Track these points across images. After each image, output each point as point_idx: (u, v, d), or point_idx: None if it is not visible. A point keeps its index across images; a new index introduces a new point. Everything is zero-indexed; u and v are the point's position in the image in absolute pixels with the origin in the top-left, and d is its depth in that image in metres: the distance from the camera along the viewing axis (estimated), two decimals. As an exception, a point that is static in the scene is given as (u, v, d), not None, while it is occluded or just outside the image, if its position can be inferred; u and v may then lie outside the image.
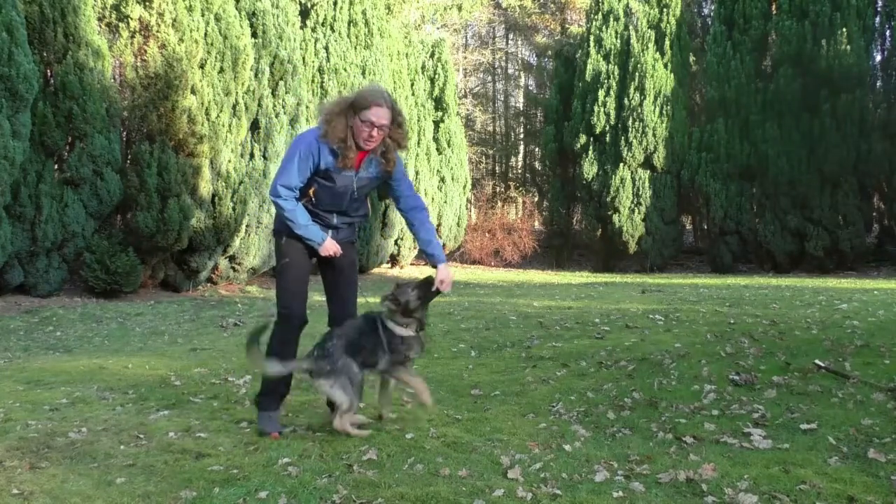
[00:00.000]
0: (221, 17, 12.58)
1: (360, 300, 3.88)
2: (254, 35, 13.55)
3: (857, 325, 6.14)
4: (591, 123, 21.35)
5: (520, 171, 34.54)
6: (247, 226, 13.55)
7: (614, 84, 21.17)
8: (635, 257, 21.20)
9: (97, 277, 11.24)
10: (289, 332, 3.72)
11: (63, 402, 4.49)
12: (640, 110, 20.55)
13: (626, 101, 20.79)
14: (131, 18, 11.65)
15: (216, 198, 12.60)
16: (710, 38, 20.51)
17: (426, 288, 3.66)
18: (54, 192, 10.89)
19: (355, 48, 17.08)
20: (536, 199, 29.54)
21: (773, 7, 19.08)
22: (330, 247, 3.64)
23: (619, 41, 21.41)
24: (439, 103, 21.65)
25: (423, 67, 21.36)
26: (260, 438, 3.62)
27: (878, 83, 18.69)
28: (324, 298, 3.87)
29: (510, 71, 36.85)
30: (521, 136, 34.78)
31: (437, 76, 21.71)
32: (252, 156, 13.59)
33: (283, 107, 14.09)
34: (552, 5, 32.00)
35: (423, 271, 20.36)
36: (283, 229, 3.68)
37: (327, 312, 3.84)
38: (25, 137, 10.00)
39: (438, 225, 21.39)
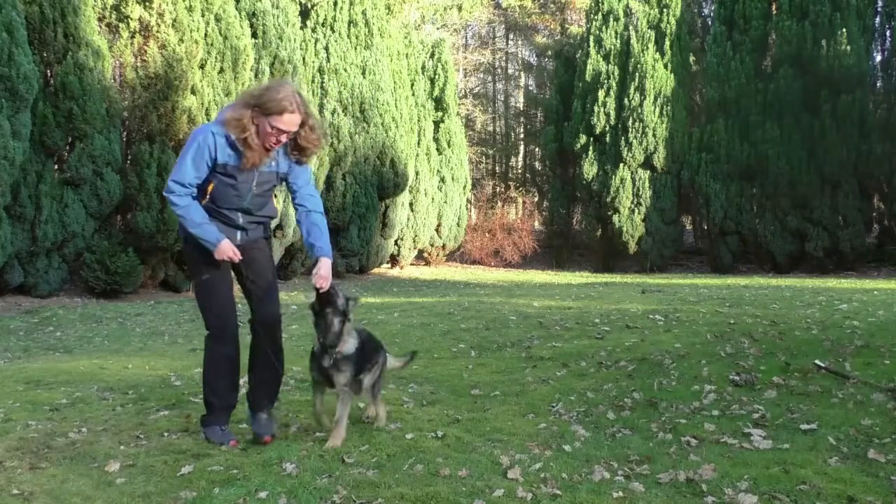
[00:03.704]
0: (221, 17, 12.58)
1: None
2: (254, 35, 13.55)
3: (857, 325, 6.14)
4: (591, 123, 21.36)
5: (520, 171, 34.54)
6: (247, 226, 13.54)
7: (614, 84, 21.17)
8: (635, 257, 21.20)
9: (97, 277, 11.24)
10: (228, 346, 3.56)
11: (63, 402, 4.49)
12: (640, 110, 20.55)
13: (626, 101, 20.79)
14: (131, 19, 11.65)
15: (216, 198, 12.60)
16: (710, 38, 20.52)
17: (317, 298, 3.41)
18: (54, 192, 10.89)
19: (355, 48, 17.07)
20: (536, 199, 29.54)
21: (773, 7, 19.08)
22: (226, 249, 3.30)
23: (619, 41, 21.41)
24: (439, 103, 21.66)
25: (423, 67, 21.36)
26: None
27: (878, 83, 18.71)
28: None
29: (510, 71, 36.85)
30: (521, 136, 34.78)
31: (437, 76, 21.71)
32: (252, 156, 13.58)
33: (283, 107, 14.08)
34: (552, 5, 31.99)
35: (422, 272, 20.37)
36: (189, 235, 3.37)
37: (250, 314, 3.59)
38: (25, 137, 10.00)
39: (438, 225, 21.40)
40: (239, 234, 3.45)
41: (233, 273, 3.57)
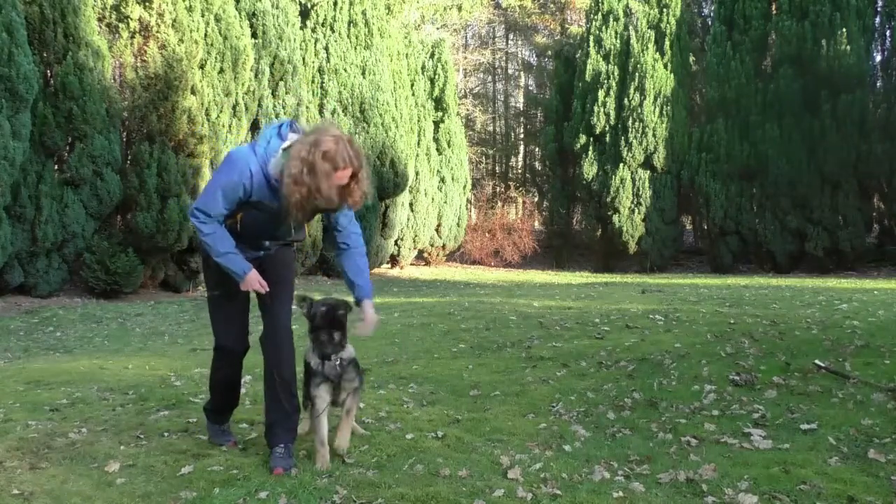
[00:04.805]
0: (221, 17, 12.58)
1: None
2: (254, 35, 13.56)
3: (857, 325, 6.14)
4: (591, 123, 21.36)
5: (520, 171, 34.54)
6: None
7: (614, 84, 21.17)
8: (635, 257, 21.20)
9: (97, 278, 11.24)
10: (231, 364, 3.45)
11: (63, 402, 4.49)
12: (640, 110, 20.56)
13: (625, 101, 20.79)
14: (131, 19, 11.66)
15: (216, 198, 12.60)
16: (710, 38, 20.52)
17: (335, 309, 3.24)
18: (54, 192, 10.89)
19: (355, 48, 17.08)
20: (536, 199, 29.54)
21: (773, 7, 19.09)
22: (252, 280, 3.15)
23: (618, 41, 21.41)
24: (439, 103, 21.66)
25: (423, 68, 21.36)
26: (260, 439, 3.61)
27: (878, 83, 18.70)
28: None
29: (510, 71, 36.85)
30: (521, 136, 34.78)
31: (437, 76, 21.71)
32: (252, 156, 13.58)
33: (284, 107, 14.10)
34: (552, 5, 32.00)
35: (423, 272, 20.38)
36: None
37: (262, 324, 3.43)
38: (25, 138, 10.00)
39: (438, 225, 21.39)
40: (262, 252, 3.32)
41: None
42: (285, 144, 3.08)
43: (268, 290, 3.20)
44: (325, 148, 2.93)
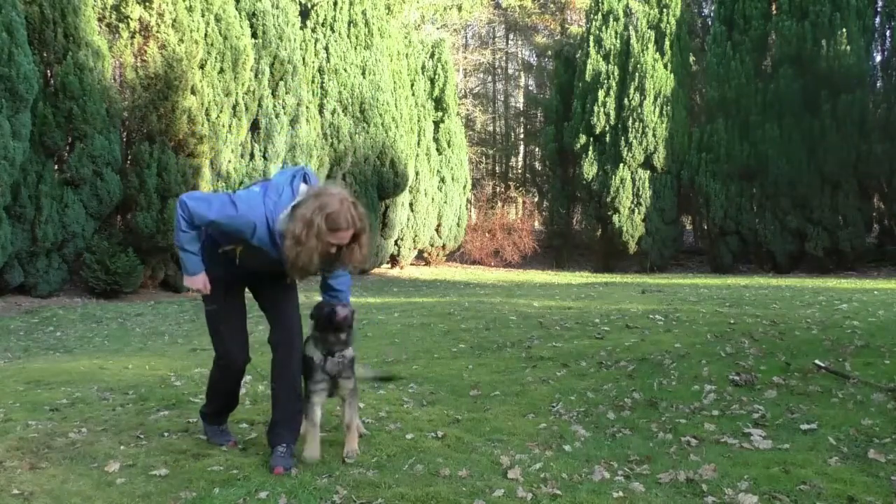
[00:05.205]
0: (221, 17, 12.58)
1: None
2: (254, 35, 13.56)
3: (857, 325, 6.14)
4: (591, 123, 21.36)
5: (520, 171, 34.54)
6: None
7: (614, 84, 21.17)
8: (635, 257, 21.20)
9: (97, 278, 11.24)
10: (231, 377, 3.47)
11: (63, 402, 4.49)
12: (640, 110, 20.56)
13: (625, 101, 20.79)
14: (131, 19, 11.66)
15: (216, 198, 12.60)
16: (710, 38, 20.52)
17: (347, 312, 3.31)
18: (54, 192, 10.89)
19: (355, 48, 17.08)
20: (536, 199, 29.55)
21: (773, 7, 19.08)
22: (198, 282, 3.18)
23: (618, 41, 21.41)
24: (439, 103, 21.66)
25: (423, 68, 21.36)
26: (260, 439, 3.61)
27: (878, 83, 18.69)
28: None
29: (510, 71, 36.85)
30: (521, 136, 34.78)
31: (437, 76, 21.71)
32: (252, 156, 13.59)
33: (284, 107, 14.10)
34: (552, 5, 32.00)
35: (423, 272, 20.38)
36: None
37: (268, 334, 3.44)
38: (25, 138, 10.00)
39: (438, 225, 21.40)
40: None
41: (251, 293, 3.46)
42: (295, 201, 3.07)
43: (209, 291, 3.22)
44: (330, 210, 2.97)
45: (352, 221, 3.02)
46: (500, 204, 28.12)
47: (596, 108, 21.25)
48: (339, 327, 3.30)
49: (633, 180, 20.82)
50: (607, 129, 21.23)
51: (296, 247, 2.98)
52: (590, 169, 21.44)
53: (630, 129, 20.68)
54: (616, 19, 21.54)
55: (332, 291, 3.37)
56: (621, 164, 20.86)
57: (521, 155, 34.62)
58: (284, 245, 3.02)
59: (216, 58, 12.48)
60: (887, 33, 18.60)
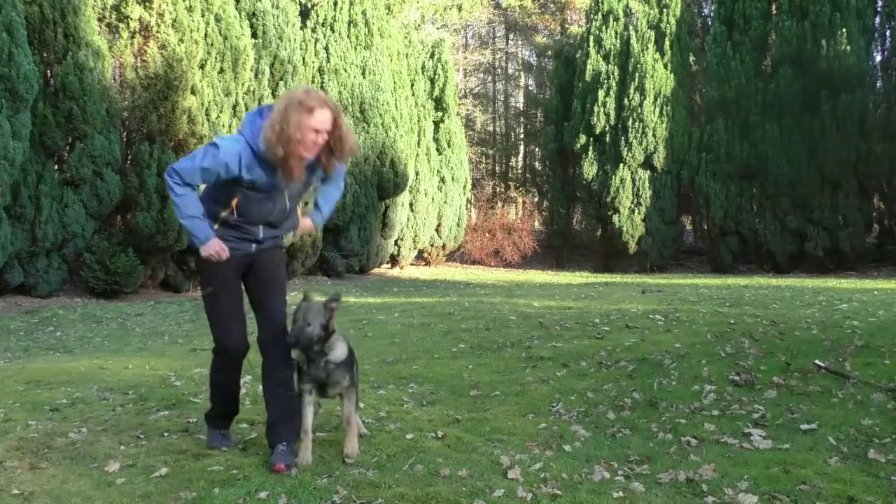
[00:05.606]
0: (221, 17, 12.58)
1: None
2: (254, 35, 13.56)
3: (857, 325, 6.14)
4: (591, 123, 21.36)
5: (520, 171, 34.54)
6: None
7: (614, 84, 21.17)
8: (635, 257, 21.20)
9: (97, 278, 11.24)
10: (231, 366, 3.43)
11: (63, 402, 4.49)
12: (640, 110, 20.56)
13: (625, 101, 20.79)
14: (131, 19, 11.66)
15: (216, 198, 12.61)
16: (710, 38, 20.52)
17: (305, 329, 3.19)
18: (54, 192, 10.89)
19: (355, 48, 17.08)
20: (536, 199, 29.55)
21: (773, 7, 19.08)
22: (213, 246, 3.16)
23: (618, 41, 21.41)
24: (439, 103, 21.66)
25: (423, 68, 21.36)
26: (260, 439, 3.61)
27: (878, 83, 18.69)
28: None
29: (510, 71, 36.85)
30: (521, 136, 34.78)
31: (437, 76, 21.71)
32: (252, 156, 13.58)
33: (283, 107, 14.08)
34: (552, 5, 32.00)
35: (423, 272, 20.38)
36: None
37: (256, 325, 3.42)
38: (25, 138, 10.00)
39: (438, 225, 21.38)
40: (253, 246, 3.33)
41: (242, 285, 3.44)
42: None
43: (228, 256, 3.22)
44: (298, 97, 3.08)
45: (323, 99, 3.12)
46: (500, 204, 28.13)
47: (596, 108, 21.25)
48: (304, 346, 3.20)
49: (633, 180, 20.82)
50: (607, 129, 21.23)
51: (279, 143, 3.04)
52: (590, 169, 21.44)
53: (630, 129, 20.68)
54: (616, 19, 21.54)
55: (316, 208, 3.49)
56: (621, 164, 20.86)
57: (521, 155, 34.62)
58: (267, 144, 3.06)
59: (216, 58, 12.47)
60: (887, 33, 18.60)
